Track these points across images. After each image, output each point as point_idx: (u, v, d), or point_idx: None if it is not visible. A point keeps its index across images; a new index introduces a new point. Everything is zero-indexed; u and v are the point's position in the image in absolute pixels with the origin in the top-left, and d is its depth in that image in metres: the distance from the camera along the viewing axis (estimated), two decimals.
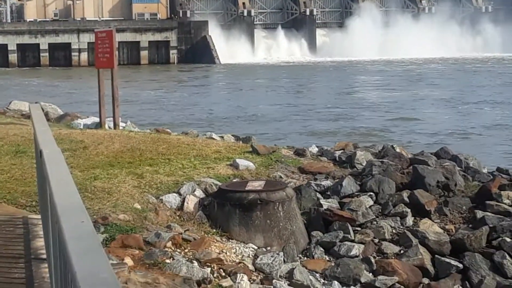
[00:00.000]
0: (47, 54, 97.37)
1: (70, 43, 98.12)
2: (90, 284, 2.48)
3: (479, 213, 10.92)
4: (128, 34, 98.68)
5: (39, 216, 7.72)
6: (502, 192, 11.59)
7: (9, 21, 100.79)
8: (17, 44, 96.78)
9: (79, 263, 2.71)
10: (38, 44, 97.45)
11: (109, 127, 17.48)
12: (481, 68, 79.16)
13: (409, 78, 65.34)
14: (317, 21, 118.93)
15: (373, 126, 31.35)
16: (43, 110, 16.31)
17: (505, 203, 11.27)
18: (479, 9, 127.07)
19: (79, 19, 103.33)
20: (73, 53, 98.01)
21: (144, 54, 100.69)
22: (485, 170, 14.03)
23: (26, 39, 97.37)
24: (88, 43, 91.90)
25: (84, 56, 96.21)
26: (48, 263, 5.84)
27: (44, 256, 6.49)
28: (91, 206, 9.47)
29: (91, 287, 2.46)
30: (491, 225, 10.49)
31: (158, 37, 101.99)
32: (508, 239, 10.15)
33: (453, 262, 9.66)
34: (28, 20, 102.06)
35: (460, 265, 9.61)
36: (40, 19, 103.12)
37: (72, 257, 2.81)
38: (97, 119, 18.65)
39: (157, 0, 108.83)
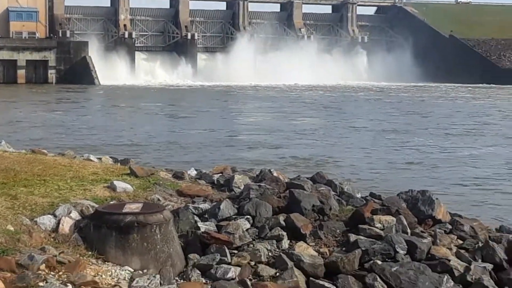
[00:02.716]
0: None
1: None
2: None
3: (352, 237, 11.15)
4: (5, 52, 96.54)
5: None
6: (374, 216, 11.88)
7: None
8: None
9: None
10: None
11: None
12: (370, 97, 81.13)
13: (307, 105, 66.50)
14: (198, 46, 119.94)
15: (251, 154, 31.64)
16: None
17: (377, 227, 11.56)
18: (356, 39, 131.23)
19: None
20: None
21: (21, 73, 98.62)
22: (358, 195, 14.35)
23: None
24: None
25: None
26: None
27: None
28: None
29: None
30: (363, 248, 10.73)
31: (36, 56, 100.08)
32: (379, 262, 10.42)
33: (327, 284, 9.81)
34: None
35: (334, 287, 9.77)
36: None
37: None
38: None
39: (35, 18, 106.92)
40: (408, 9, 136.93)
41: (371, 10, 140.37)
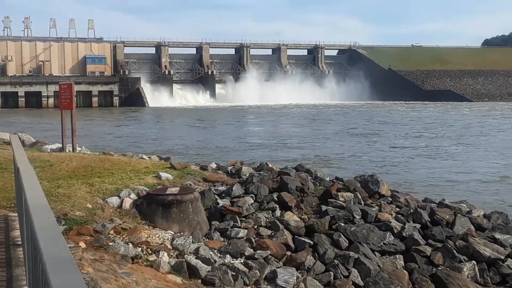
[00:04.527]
0: (23, 99, 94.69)
1: (41, 92, 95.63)
2: (53, 261, 2.42)
3: (324, 207, 11.17)
4: (83, 86, 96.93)
5: (16, 214, 7.39)
6: (338, 193, 11.90)
7: None
8: (1, 92, 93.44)
9: (45, 246, 2.64)
10: (17, 92, 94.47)
11: (69, 151, 16.99)
12: (338, 111, 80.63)
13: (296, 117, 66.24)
14: (216, 79, 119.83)
15: (253, 152, 31.59)
16: (20, 139, 15.68)
17: (340, 200, 11.57)
18: (324, 71, 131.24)
19: (48, 74, 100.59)
20: (43, 99, 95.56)
21: (95, 99, 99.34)
22: (327, 179, 14.35)
23: (8, 88, 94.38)
24: (54, 91, 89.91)
25: (51, 100, 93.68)
26: (23, 248, 5.60)
27: (20, 243, 6.23)
28: (55, 206, 9.15)
29: (54, 263, 2.39)
30: (331, 215, 10.75)
31: (105, 88, 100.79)
32: (342, 224, 10.42)
33: (306, 240, 9.83)
34: (9, 75, 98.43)
35: (311, 242, 9.78)
36: (18, 74, 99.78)
37: (40, 243, 2.73)
38: (60, 145, 18.08)
39: (104, 62, 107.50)
40: (360, 51, 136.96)
41: (334, 52, 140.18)
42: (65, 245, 2.68)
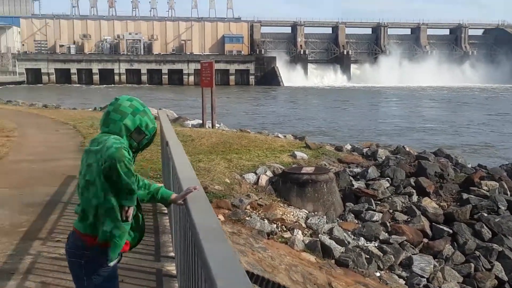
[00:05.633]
0: (167, 76, 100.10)
1: (182, 69, 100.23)
2: (205, 230, 2.52)
3: (465, 195, 10.67)
4: (221, 64, 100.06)
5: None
6: (482, 181, 11.30)
7: (142, 53, 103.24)
8: (147, 69, 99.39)
9: (197, 217, 2.75)
10: (161, 70, 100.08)
11: (208, 127, 17.70)
12: (485, 95, 75.64)
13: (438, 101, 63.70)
14: (351, 59, 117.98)
15: (389, 134, 30.80)
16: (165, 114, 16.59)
17: (483, 189, 10.98)
18: (467, 52, 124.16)
19: (189, 53, 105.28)
20: (184, 76, 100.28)
21: (232, 78, 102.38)
22: (469, 165, 13.68)
23: (153, 66, 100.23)
24: (194, 69, 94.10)
25: (191, 78, 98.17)
26: (169, 216, 5.96)
27: (166, 211, 6.62)
28: None
29: (205, 232, 2.49)
30: (473, 204, 10.23)
31: (241, 67, 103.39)
32: (485, 214, 9.88)
33: (445, 228, 9.46)
34: (155, 53, 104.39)
35: (450, 231, 9.40)
36: (163, 53, 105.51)
37: (192, 213, 2.84)
38: (200, 121, 18.88)
39: (241, 42, 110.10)
40: (508, 30, 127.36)
41: (479, 32, 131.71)
42: (215, 215, 2.78)
